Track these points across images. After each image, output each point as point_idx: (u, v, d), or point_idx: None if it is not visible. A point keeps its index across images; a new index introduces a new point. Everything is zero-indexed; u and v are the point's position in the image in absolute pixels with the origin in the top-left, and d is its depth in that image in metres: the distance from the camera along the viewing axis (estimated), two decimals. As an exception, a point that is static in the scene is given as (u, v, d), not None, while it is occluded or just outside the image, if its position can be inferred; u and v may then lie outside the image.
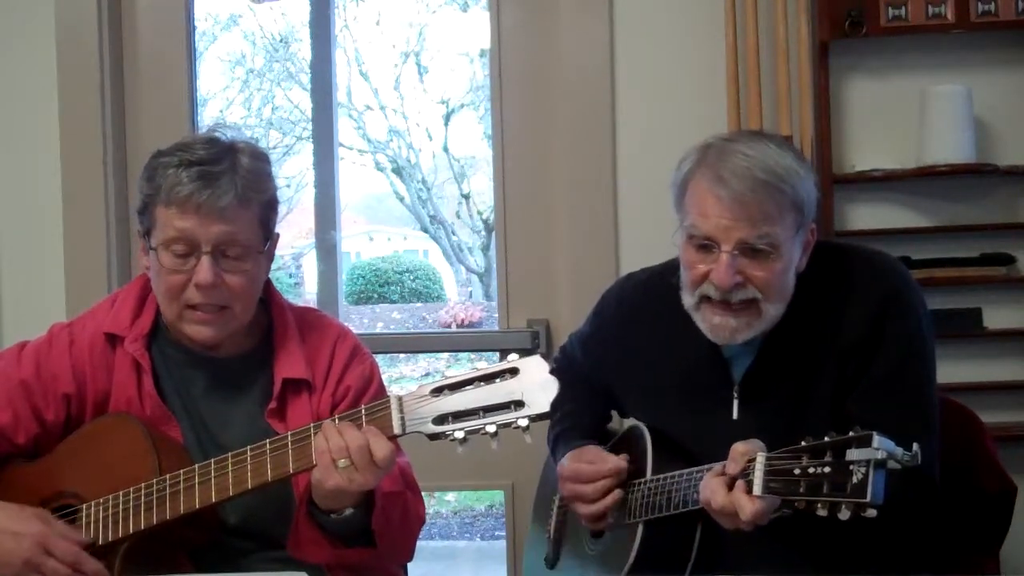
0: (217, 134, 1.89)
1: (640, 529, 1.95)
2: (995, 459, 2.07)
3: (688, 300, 1.88)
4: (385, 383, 2.01)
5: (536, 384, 1.57)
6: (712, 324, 1.85)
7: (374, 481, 1.66)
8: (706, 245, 1.83)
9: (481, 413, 1.59)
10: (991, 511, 2.02)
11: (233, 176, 1.81)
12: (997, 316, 2.79)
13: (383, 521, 1.75)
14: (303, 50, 6.03)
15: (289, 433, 1.71)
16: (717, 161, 1.82)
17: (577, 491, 2.00)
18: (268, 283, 1.97)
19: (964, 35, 2.76)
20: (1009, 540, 2.03)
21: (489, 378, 1.60)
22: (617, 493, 1.97)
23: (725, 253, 1.80)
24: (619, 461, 1.98)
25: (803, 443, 1.59)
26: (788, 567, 1.79)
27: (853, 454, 1.52)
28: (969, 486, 1.99)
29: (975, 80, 2.76)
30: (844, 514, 1.51)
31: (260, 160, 1.88)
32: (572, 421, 2.14)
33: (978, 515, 2.02)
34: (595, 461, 2.00)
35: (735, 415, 1.92)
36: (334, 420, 1.68)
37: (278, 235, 1.95)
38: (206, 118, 4.07)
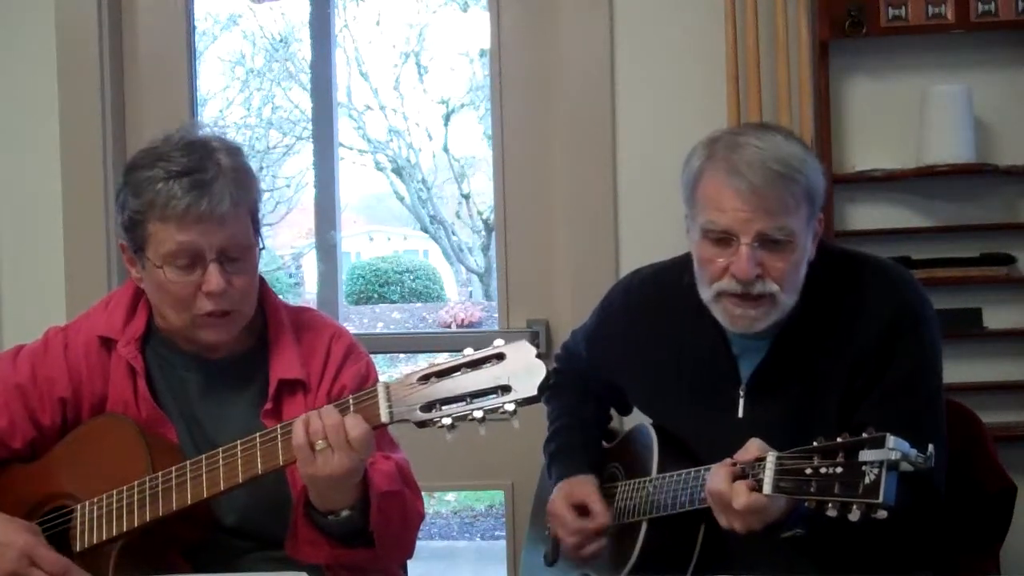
0: (186, 136, 1.86)
1: (643, 528, 1.95)
2: (995, 459, 2.07)
3: (706, 294, 1.87)
4: (382, 383, 2.00)
5: (523, 368, 1.57)
6: (733, 315, 1.85)
7: (350, 464, 1.64)
8: (724, 239, 1.82)
9: (468, 399, 1.58)
10: (991, 511, 2.02)
11: (224, 180, 1.80)
12: (997, 316, 2.79)
13: (381, 521, 1.75)
14: (303, 50, 6.03)
15: (279, 426, 1.71)
16: (729, 153, 1.82)
17: (562, 536, 2.03)
18: (262, 283, 1.97)
19: (964, 35, 2.76)
20: (1009, 540, 2.03)
21: (476, 364, 1.59)
22: (599, 544, 1.99)
23: (745, 245, 1.79)
24: (603, 519, 1.98)
25: (815, 443, 1.59)
26: (789, 568, 1.79)
27: (866, 455, 1.51)
28: (969, 486, 1.99)
29: (975, 80, 2.76)
30: (855, 515, 1.51)
31: (238, 155, 1.86)
32: (567, 439, 2.14)
33: (978, 515, 2.02)
34: (585, 501, 2.01)
35: (740, 413, 1.92)
36: (318, 410, 1.67)
37: (262, 225, 1.95)
38: (206, 118, 4.07)
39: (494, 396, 1.57)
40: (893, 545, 1.79)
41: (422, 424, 1.61)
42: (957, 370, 2.62)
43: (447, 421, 1.59)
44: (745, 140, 1.83)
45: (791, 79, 2.73)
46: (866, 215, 2.83)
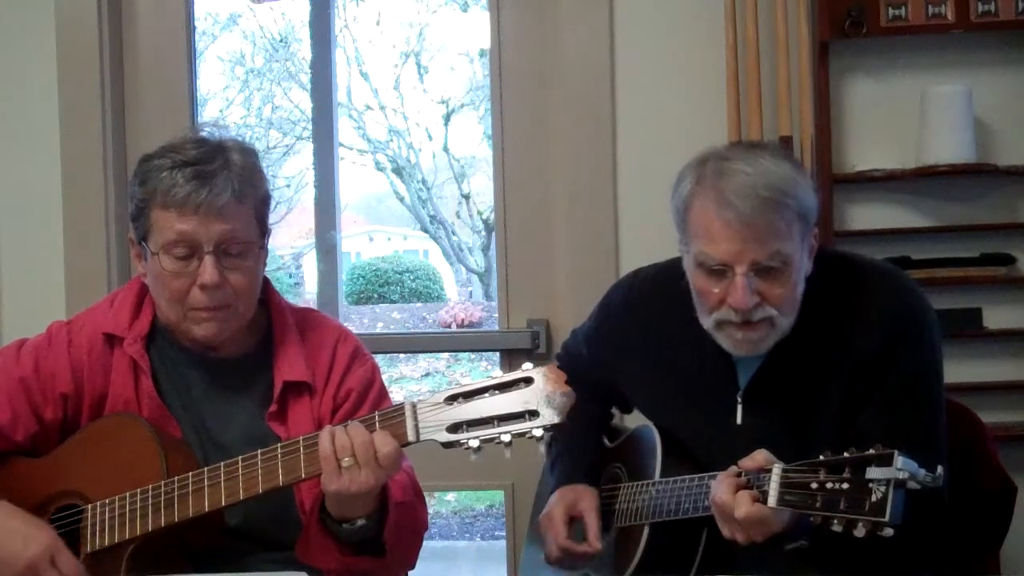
0: (204, 133, 1.88)
1: (646, 531, 1.95)
2: (995, 459, 2.06)
3: (707, 322, 1.86)
4: (385, 383, 2.00)
5: (551, 394, 1.57)
6: (736, 341, 1.84)
7: (376, 482, 1.65)
8: (719, 270, 1.81)
9: (496, 422, 1.59)
10: (991, 511, 2.02)
11: (228, 174, 1.81)
12: (997, 316, 2.79)
13: (394, 531, 1.75)
14: (303, 50, 6.03)
15: (301, 438, 1.71)
16: (718, 181, 1.80)
17: (548, 544, 2.04)
18: (267, 284, 1.97)
19: (964, 35, 2.76)
20: (1009, 540, 2.03)
21: (504, 387, 1.59)
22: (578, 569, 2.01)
23: (740, 276, 1.78)
24: (592, 548, 1.98)
25: (821, 457, 1.58)
26: (792, 572, 1.78)
27: (873, 472, 1.50)
28: (969, 486, 1.99)
29: (975, 80, 2.76)
30: (860, 531, 1.50)
31: (250, 156, 1.87)
32: (572, 440, 2.13)
33: (978, 515, 2.02)
34: (584, 518, 2.00)
35: (739, 420, 1.92)
36: (345, 425, 1.67)
37: (271, 229, 1.95)
38: (206, 118, 4.07)
39: (521, 420, 1.58)
40: (896, 552, 1.79)
41: (448, 445, 1.61)
42: (957, 370, 2.62)
43: (475, 444, 1.59)
44: (733, 166, 1.80)
45: (791, 79, 2.73)
46: (866, 215, 2.83)
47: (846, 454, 1.55)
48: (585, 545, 1.99)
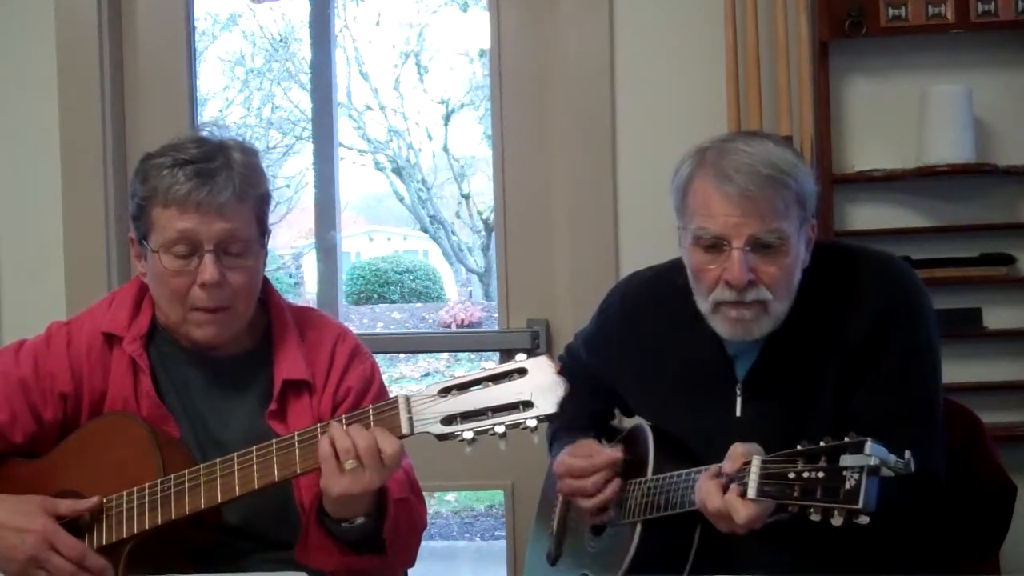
0: (204, 133, 1.89)
1: (638, 528, 1.95)
2: (995, 459, 2.07)
3: (704, 306, 1.87)
4: (385, 383, 2.01)
5: (544, 384, 1.58)
6: (730, 320, 1.84)
7: (379, 481, 1.65)
8: (715, 245, 1.81)
9: (489, 413, 1.59)
10: (991, 511, 2.02)
11: (229, 172, 1.81)
12: (997, 316, 2.79)
13: (392, 529, 1.75)
14: (303, 50, 6.04)
15: (296, 433, 1.71)
16: (718, 159, 1.81)
17: (574, 487, 2.01)
18: (267, 283, 1.97)
19: (964, 35, 2.76)
20: (1009, 540, 2.03)
21: (497, 378, 1.60)
22: (616, 484, 1.98)
23: (737, 250, 1.78)
24: (613, 453, 1.98)
25: (799, 447, 1.59)
26: (787, 568, 1.79)
27: (846, 460, 1.51)
28: (969, 486, 1.99)
29: (975, 80, 2.76)
30: (837, 520, 1.50)
31: (251, 155, 1.87)
32: (569, 418, 2.13)
33: (978, 515, 2.02)
34: (590, 455, 2.00)
35: (738, 413, 1.92)
36: (341, 421, 1.68)
37: (271, 229, 1.95)
38: (206, 118, 4.07)
39: (515, 411, 1.58)
40: (891, 540, 1.79)
41: (443, 437, 1.61)
42: (957, 370, 2.63)
43: (468, 435, 1.59)
44: (734, 146, 1.83)
45: (791, 79, 2.73)
46: (866, 215, 2.83)
47: (822, 443, 1.56)
48: (601, 455, 1.98)
